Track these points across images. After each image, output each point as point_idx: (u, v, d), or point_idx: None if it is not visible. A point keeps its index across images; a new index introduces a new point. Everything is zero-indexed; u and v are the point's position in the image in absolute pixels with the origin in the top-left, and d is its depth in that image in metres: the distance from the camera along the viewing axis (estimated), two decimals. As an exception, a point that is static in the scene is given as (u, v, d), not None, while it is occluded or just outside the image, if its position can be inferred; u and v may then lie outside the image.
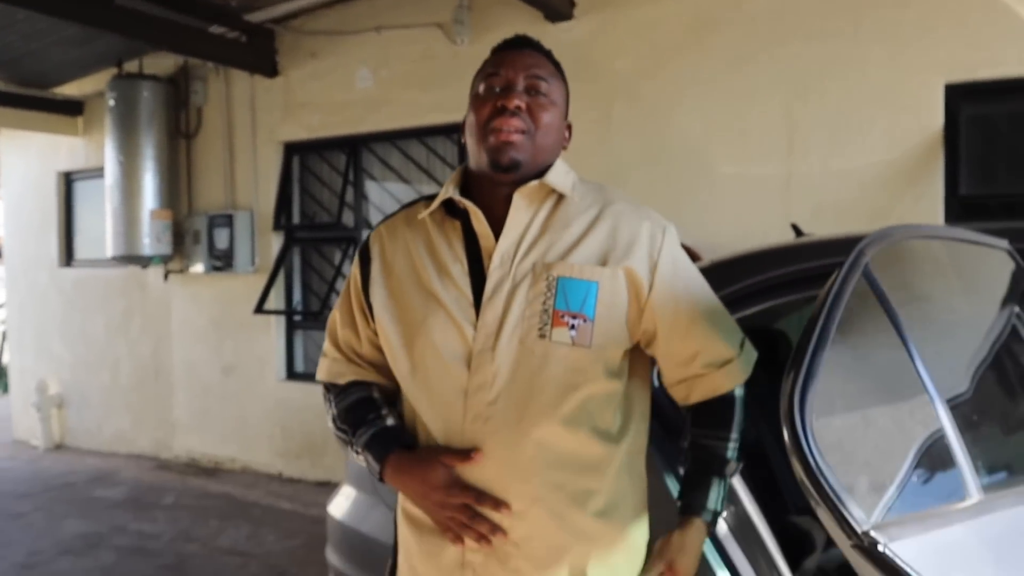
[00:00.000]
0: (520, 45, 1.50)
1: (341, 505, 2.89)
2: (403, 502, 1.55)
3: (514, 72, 1.44)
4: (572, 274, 1.40)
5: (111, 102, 6.49)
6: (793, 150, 4.35)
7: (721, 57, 4.50)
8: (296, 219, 6.29)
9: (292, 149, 6.25)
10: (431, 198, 1.55)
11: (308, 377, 6.25)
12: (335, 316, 1.62)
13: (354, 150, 5.96)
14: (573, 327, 1.39)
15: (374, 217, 5.95)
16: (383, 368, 1.57)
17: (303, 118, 6.06)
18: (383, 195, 5.94)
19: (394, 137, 5.80)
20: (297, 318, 6.33)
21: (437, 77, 5.40)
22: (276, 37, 6.11)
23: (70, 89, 7.39)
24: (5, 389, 9.93)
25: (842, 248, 2.28)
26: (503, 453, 1.39)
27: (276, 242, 6.22)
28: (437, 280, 1.46)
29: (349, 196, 5.98)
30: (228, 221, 6.25)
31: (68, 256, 7.79)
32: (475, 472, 1.40)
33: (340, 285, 6.04)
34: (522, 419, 1.39)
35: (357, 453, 1.52)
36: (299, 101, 6.06)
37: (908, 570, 1.25)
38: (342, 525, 2.84)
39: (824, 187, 4.23)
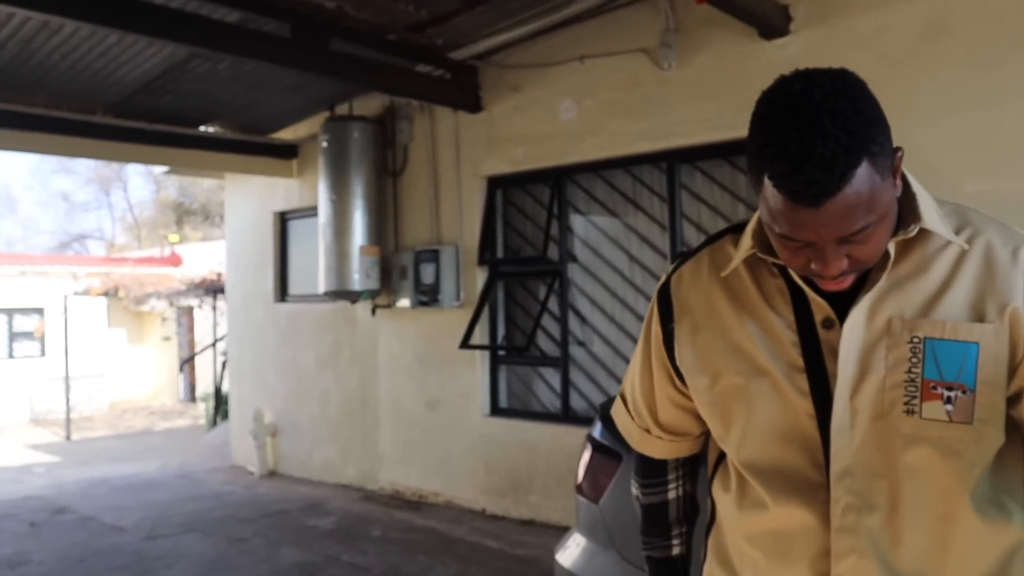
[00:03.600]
0: (814, 200, 1.02)
1: (571, 553, 2.72)
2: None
3: (819, 236, 1.06)
4: (944, 334, 1.13)
5: (324, 143, 6.77)
6: (1054, 160, 3.85)
7: (961, 63, 4.07)
8: (500, 253, 6.27)
9: (495, 183, 6.26)
10: (738, 229, 1.31)
11: (512, 413, 6.18)
12: (633, 374, 1.45)
13: (558, 182, 5.88)
14: (949, 400, 1.12)
15: (579, 250, 5.83)
16: (685, 435, 1.42)
17: (506, 152, 6.05)
18: (588, 228, 5.80)
19: (599, 168, 5.67)
20: (501, 353, 6.29)
21: (644, 104, 5.23)
22: (479, 73, 6.16)
23: (285, 134, 7.83)
24: (225, 416, 10.58)
25: None
26: (883, 551, 1.16)
27: (480, 277, 6.23)
28: (761, 340, 1.22)
29: (553, 229, 5.89)
30: (434, 256, 6.33)
31: (283, 292, 8.19)
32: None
33: (545, 320, 5.94)
34: (894, 512, 1.15)
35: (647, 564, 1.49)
36: (502, 135, 6.06)
37: None
38: (572, 575, 2.67)
39: (1095, 201, 3.70)
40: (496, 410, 6.26)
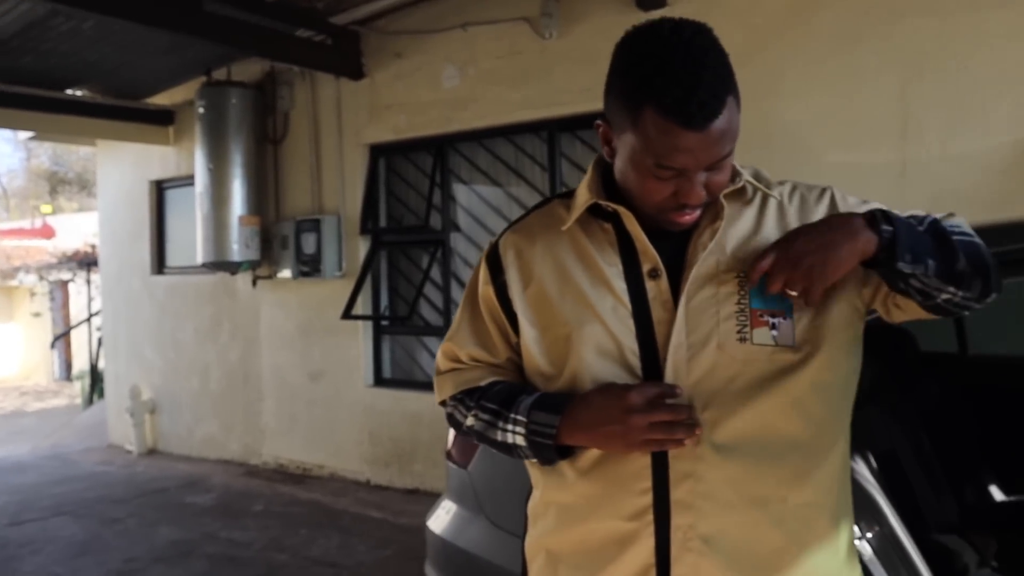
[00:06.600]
0: (705, 122, 1.12)
1: (441, 520, 2.74)
2: (540, 537, 1.37)
3: (695, 161, 1.15)
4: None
5: (200, 109, 6.53)
6: (907, 134, 4.03)
7: (826, 38, 4.23)
8: (383, 223, 6.20)
9: (378, 151, 6.17)
10: (566, 196, 1.38)
11: (396, 383, 6.15)
12: (453, 340, 1.43)
13: (441, 151, 5.84)
14: (774, 326, 1.23)
15: (462, 219, 5.82)
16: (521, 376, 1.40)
17: (389, 120, 5.97)
18: (471, 196, 5.80)
19: (481, 136, 5.66)
20: (385, 323, 6.24)
21: (525, 73, 5.24)
22: (361, 39, 6.04)
23: (161, 99, 7.51)
24: (101, 394, 10.17)
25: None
26: (721, 471, 1.23)
27: (363, 246, 6.15)
28: (590, 288, 1.28)
29: (436, 198, 5.86)
30: (315, 226, 6.21)
31: (160, 263, 7.90)
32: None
33: (428, 290, 5.92)
34: (729, 435, 1.23)
35: (512, 425, 1.28)
36: (385, 102, 5.98)
37: None
38: (443, 541, 2.69)
39: (942, 173, 3.90)
40: (380, 380, 6.22)
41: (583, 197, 1.31)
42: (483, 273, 1.39)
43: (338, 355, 6.32)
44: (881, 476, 2.22)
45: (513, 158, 5.58)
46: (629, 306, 1.26)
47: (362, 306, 6.11)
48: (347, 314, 5.98)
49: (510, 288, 1.35)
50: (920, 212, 1.28)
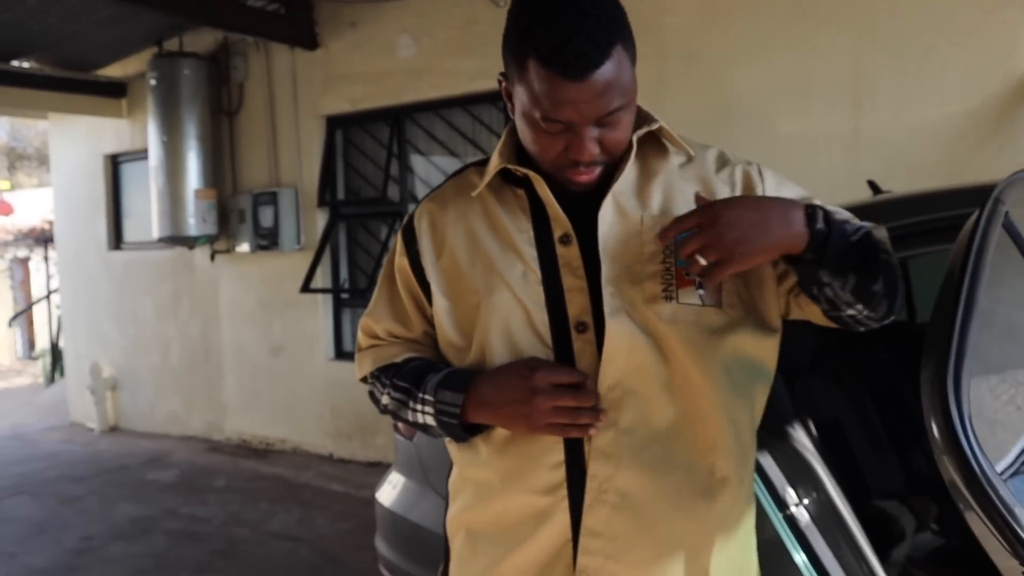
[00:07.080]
0: (583, 72, 1.09)
1: (389, 493, 2.73)
2: (459, 513, 1.35)
3: (579, 114, 1.12)
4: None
5: (152, 81, 6.39)
6: (861, 104, 4.03)
7: (780, 9, 4.20)
8: (341, 195, 6.13)
9: (335, 123, 6.09)
10: (483, 163, 1.34)
11: (357, 356, 6.12)
12: (371, 316, 1.40)
13: (397, 122, 5.77)
14: (700, 285, 1.19)
15: (420, 190, 5.77)
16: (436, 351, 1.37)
17: (345, 90, 5.88)
18: (428, 167, 5.75)
19: (438, 107, 5.60)
20: (344, 296, 6.20)
21: (480, 42, 5.17)
22: (315, 7, 5.92)
23: (113, 71, 7.34)
24: (63, 373, 10.05)
25: (937, 200, 2.03)
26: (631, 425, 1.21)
27: (321, 219, 6.08)
28: (500, 256, 1.25)
29: (394, 169, 5.80)
30: (272, 199, 6.13)
31: (117, 239, 7.77)
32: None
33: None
34: (652, 398, 1.21)
35: (421, 405, 1.26)
36: (340, 73, 5.88)
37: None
38: (391, 513, 2.69)
39: (895, 142, 3.91)
40: (340, 354, 6.19)
41: (494, 162, 1.28)
42: (399, 245, 1.36)
43: (298, 329, 6.28)
44: (822, 444, 2.24)
45: (470, 128, 5.53)
46: (539, 272, 1.22)
47: (321, 279, 6.06)
48: (306, 287, 5.93)
49: (423, 258, 1.31)
50: (855, 221, 1.21)
